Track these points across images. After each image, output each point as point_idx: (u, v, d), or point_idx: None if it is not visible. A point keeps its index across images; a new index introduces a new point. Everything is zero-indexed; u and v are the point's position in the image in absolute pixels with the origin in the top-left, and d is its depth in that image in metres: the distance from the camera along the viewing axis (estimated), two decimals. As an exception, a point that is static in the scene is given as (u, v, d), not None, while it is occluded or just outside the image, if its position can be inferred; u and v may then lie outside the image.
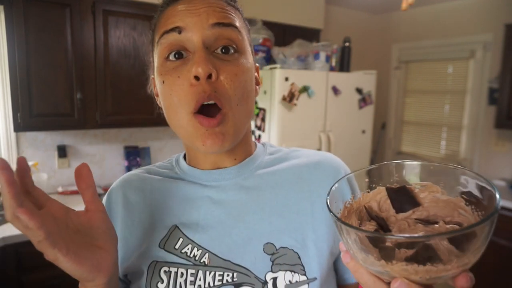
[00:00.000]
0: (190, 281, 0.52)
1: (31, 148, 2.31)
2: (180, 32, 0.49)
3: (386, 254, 0.31)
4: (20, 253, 1.77)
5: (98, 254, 0.44)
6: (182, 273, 0.53)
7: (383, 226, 0.37)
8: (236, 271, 0.53)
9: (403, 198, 0.38)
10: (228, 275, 0.53)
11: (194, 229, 0.55)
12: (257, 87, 0.61)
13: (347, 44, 2.77)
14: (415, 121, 3.75)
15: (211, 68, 0.47)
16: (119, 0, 2.16)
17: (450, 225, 0.33)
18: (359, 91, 2.76)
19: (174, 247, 0.54)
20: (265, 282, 0.52)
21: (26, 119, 1.98)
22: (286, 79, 2.33)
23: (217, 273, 0.53)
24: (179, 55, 0.50)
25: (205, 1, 0.51)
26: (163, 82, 0.51)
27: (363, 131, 2.88)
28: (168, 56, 0.51)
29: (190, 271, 0.53)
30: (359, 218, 0.39)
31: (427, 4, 3.45)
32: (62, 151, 2.38)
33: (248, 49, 0.56)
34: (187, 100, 0.49)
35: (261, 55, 2.53)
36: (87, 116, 2.16)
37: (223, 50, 0.51)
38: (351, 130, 2.79)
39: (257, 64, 0.62)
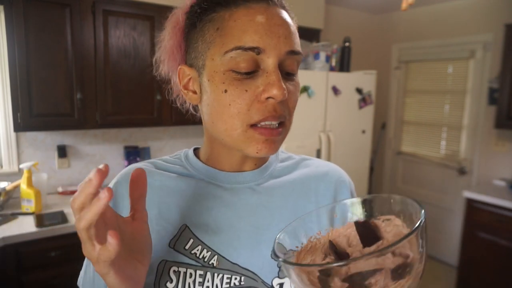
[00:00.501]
0: (199, 282, 0.53)
1: (31, 148, 2.31)
2: (258, 53, 0.48)
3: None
4: (20, 253, 1.77)
5: (139, 270, 0.44)
6: (191, 274, 0.53)
7: (341, 259, 0.38)
8: (244, 275, 0.54)
9: (368, 232, 0.39)
10: (235, 278, 0.53)
11: (204, 230, 0.56)
12: None
13: (347, 44, 2.77)
14: (415, 121, 3.75)
15: (286, 92, 0.48)
16: (119, 0, 2.16)
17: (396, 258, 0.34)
18: (359, 91, 2.76)
19: (184, 248, 0.55)
20: None
21: (26, 119, 1.98)
22: (286, 79, 2.33)
23: (225, 276, 0.53)
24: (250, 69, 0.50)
25: (280, 15, 0.50)
26: (225, 91, 0.49)
27: (363, 131, 2.88)
28: (237, 69, 0.49)
29: (198, 272, 0.53)
30: (325, 252, 0.40)
31: (427, 4, 3.45)
32: (62, 151, 2.38)
33: None
34: (249, 113, 0.49)
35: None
36: (87, 116, 2.16)
37: (286, 74, 0.52)
38: (351, 130, 2.79)
39: None
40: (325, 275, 0.34)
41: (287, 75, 0.52)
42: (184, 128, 2.84)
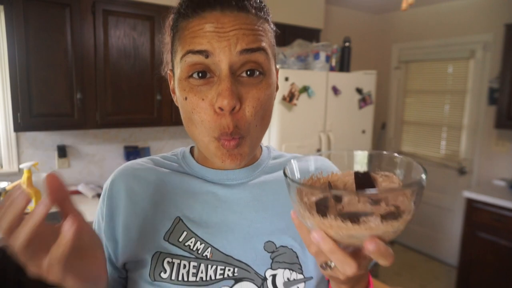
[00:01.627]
0: (193, 273, 0.54)
1: (31, 148, 2.31)
2: (207, 57, 0.49)
3: (318, 210, 0.36)
4: (20, 253, 1.77)
5: (95, 265, 0.45)
6: (184, 265, 0.54)
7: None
8: (237, 267, 0.55)
9: (365, 182, 0.42)
10: (229, 269, 0.55)
11: (198, 223, 0.57)
12: (275, 92, 0.62)
13: (347, 44, 2.77)
14: (415, 121, 3.75)
15: (236, 101, 0.48)
16: (119, 0, 2.16)
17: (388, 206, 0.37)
18: (359, 91, 2.76)
19: (178, 240, 0.56)
20: (265, 279, 0.55)
21: (26, 119, 1.98)
22: (286, 79, 2.33)
23: (218, 267, 0.55)
24: (202, 74, 0.50)
25: (235, 21, 0.50)
26: (186, 98, 0.51)
27: (363, 131, 2.88)
28: (192, 75, 0.51)
29: (192, 263, 0.55)
30: (323, 191, 0.43)
31: (427, 4, 3.45)
32: (62, 151, 2.38)
33: (272, 67, 0.55)
34: (211, 126, 0.50)
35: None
36: (87, 116, 2.16)
37: (248, 73, 0.51)
38: (351, 130, 2.79)
39: (277, 67, 0.62)
40: (323, 205, 0.37)
41: (249, 75, 0.51)
42: (184, 128, 2.83)
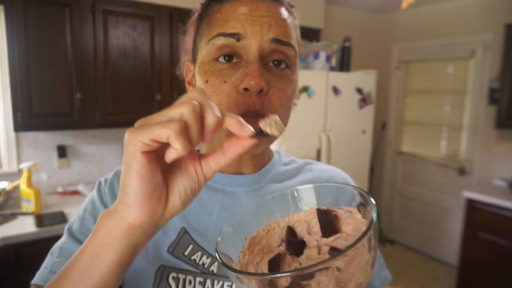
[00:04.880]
0: None
1: (31, 148, 2.30)
2: (239, 40, 0.47)
3: (271, 270, 0.33)
4: (20, 253, 1.77)
5: (160, 206, 0.37)
6: (190, 281, 0.52)
7: (295, 251, 0.37)
8: None
9: (329, 222, 0.38)
10: (236, 285, 0.53)
11: (204, 235, 0.54)
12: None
13: (347, 44, 2.77)
14: (415, 121, 3.75)
15: (264, 84, 0.46)
16: (119, 0, 2.16)
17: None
18: (359, 91, 2.76)
19: (183, 253, 0.53)
20: None
21: (26, 119, 1.98)
22: (286, 79, 2.33)
23: (225, 283, 0.52)
24: (229, 57, 0.49)
25: (269, 8, 0.49)
26: (206, 81, 0.49)
27: (363, 131, 2.88)
28: (218, 58, 0.49)
29: (198, 279, 0.52)
30: (282, 238, 0.39)
31: (427, 4, 3.45)
32: (62, 151, 2.37)
33: (297, 66, 0.55)
34: (229, 106, 0.47)
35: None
36: (87, 116, 2.15)
37: (275, 63, 0.50)
38: (351, 130, 2.79)
39: None
40: (276, 264, 0.34)
41: (276, 65, 0.50)
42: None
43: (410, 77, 3.79)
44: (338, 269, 0.30)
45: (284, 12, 0.51)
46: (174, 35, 2.33)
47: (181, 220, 0.55)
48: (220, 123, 0.33)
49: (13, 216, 1.95)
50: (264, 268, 0.36)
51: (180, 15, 2.31)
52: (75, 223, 0.58)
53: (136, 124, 0.33)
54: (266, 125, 0.36)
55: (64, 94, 2.07)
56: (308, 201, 0.42)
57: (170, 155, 0.31)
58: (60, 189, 2.35)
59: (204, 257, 0.53)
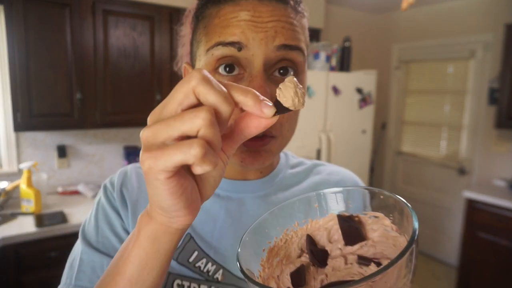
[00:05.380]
0: None
1: (31, 148, 2.30)
2: (240, 49, 0.43)
3: (295, 285, 0.30)
4: (20, 253, 1.77)
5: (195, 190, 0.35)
6: None
7: (319, 261, 0.33)
8: None
9: (352, 229, 0.34)
10: None
11: (209, 242, 0.53)
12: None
13: (347, 44, 2.77)
14: (416, 121, 3.75)
15: None
16: (119, 0, 2.15)
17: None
18: (359, 91, 2.76)
19: (188, 260, 0.52)
20: None
21: (26, 119, 1.98)
22: (286, 79, 2.33)
23: None
24: (230, 68, 0.44)
25: (274, 11, 0.44)
26: None
27: (363, 131, 2.88)
28: (217, 68, 0.45)
29: (202, 286, 0.51)
30: (301, 247, 0.36)
31: (427, 4, 3.44)
32: (62, 151, 2.37)
33: (306, 69, 0.51)
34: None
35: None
36: (86, 116, 2.15)
37: (281, 71, 0.46)
38: (351, 130, 2.79)
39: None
40: (299, 278, 0.31)
41: (283, 74, 0.46)
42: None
43: (410, 77, 3.79)
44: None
45: (291, 12, 0.46)
46: (174, 35, 2.33)
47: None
48: (233, 109, 0.29)
49: (13, 216, 1.95)
50: (287, 282, 0.33)
51: (180, 15, 2.31)
52: (89, 232, 0.54)
53: (150, 121, 0.29)
54: (285, 96, 0.29)
55: (64, 94, 2.07)
56: (333, 206, 0.38)
57: (198, 171, 0.28)
58: (60, 189, 2.35)
59: (209, 264, 0.52)
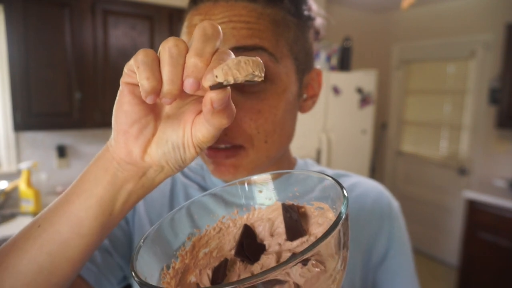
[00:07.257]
0: None
1: (31, 147, 2.30)
2: None
3: (214, 281, 0.27)
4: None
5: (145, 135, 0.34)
6: None
7: (248, 257, 0.29)
8: None
9: (292, 221, 0.30)
10: None
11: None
12: (311, 100, 0.52)
13: (347, 43, 2.77)
14: (416, 121, 3.75)
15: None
16: (119, 0, 2.15)
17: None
18: (359, 91, 2.76)
19: None
20: None
21: (25, 119, 1.98)
22: (286, 78, 2.32)
23: None
24: None
25: (227, 11, 0.41)
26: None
27: (364, 131, 2.87)
28: None
29: None
30: (236, 239, 0.32)
31: (427, 3, 3.44)
32: (62, 151, 2.37)
33: (283, 71, 0.44)
34: None
35: (261, 54, 2.52)
36: (86, 116, 2.15)
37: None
38: (351, 130, 2.78)
39: (317, 68, 0.52)
40: (221, 273, 0.28)
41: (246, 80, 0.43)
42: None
43: (410, 77, 3.78)
44: (297, 286, 0.22)
45: (256, 8, 0.42)
46: (174, 35, 2.32)
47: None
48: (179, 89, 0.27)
49: (12, 216, 1.94)
50: (206, 278, 0.29)
51: (179, 15, 2.31)
52: None
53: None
54: (218, 72, 0.25)
55: (63, 93, 2.07)
56: (269, 194, 0.33)
57: (142, 95, 0.27)
58: (59, 189, 2.34)
59: None
